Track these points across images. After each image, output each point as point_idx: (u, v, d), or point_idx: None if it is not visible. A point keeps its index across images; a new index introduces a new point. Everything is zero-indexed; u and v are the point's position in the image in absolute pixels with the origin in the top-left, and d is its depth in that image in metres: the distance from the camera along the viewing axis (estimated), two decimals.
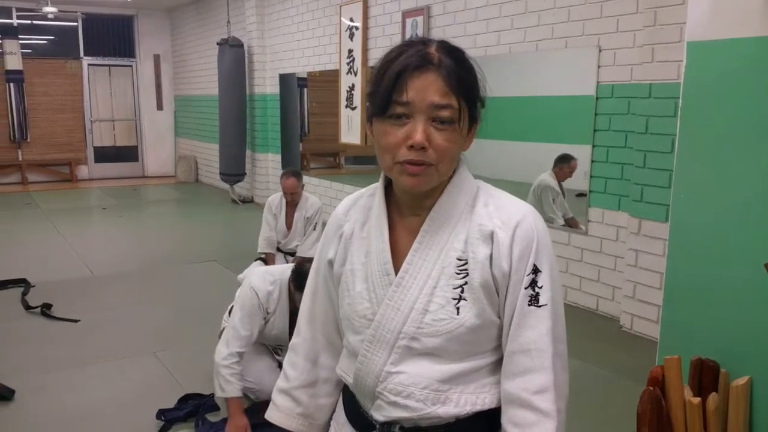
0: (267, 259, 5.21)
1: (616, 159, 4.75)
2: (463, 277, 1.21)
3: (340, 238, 1.36)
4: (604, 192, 4.89)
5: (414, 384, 1.23)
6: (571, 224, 5.20)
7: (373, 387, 1.27)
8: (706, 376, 2.20)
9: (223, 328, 3.75)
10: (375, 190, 1.35)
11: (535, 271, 1.20)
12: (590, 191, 4.99)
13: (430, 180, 1.20)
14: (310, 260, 3.36)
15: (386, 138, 1.19)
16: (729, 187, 2.23)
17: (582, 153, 5.03)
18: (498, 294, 1.22)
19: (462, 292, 1.21)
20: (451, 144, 1.19)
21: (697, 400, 2.10)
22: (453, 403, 1.23)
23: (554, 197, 5.35)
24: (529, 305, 1.20)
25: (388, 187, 1.33)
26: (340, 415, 1.41)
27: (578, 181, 5.11)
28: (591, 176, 4.97)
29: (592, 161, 4.94)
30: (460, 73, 1.19)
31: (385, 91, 1.17)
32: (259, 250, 5.31)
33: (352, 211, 1.37)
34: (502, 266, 1.20)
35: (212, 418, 3.35)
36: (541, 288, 1.20)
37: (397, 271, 1.26)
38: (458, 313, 1.20)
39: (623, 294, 4.67)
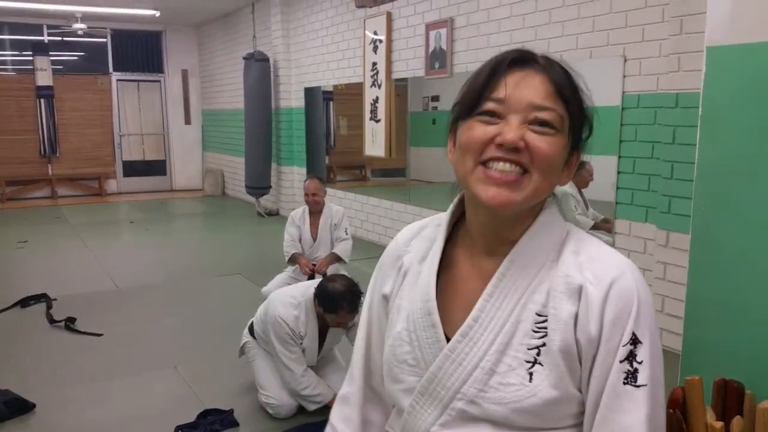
0: (296, 258, 5.20)
1: (643, 170, 4.66)
2: (541, 337, 1.00)
3: (398, 271, 1.18)
4: (630, 203, 4.79)
5: None
6: (600, 227, 5.09)
7: None
8: (730, 398, 2.09)
9: (244, 344, 3.74)
10: (443, 219, 1.16)
11: (635, 341, 0.98)
12: (617, 203, 4.90)
13: (520, 193, 0.99)
14: (332, 279, 3.40)
15: (471, 133, 1.00)
16: (753, 198, 2.14)
17: (608, 164, 4.94)
18: (581, 362, 1.00)
19: (538, 354, 1.00)
20: (552, 149, 0.99)
21: (720, 424, 1.99)
22: None
23: (575, 204, 5.27)
24: (624, 384, 0.98)
25: (461, 219, 1.15)
26: None
27: (606, 191, 5.02)
28: (617, 187, 4.88)
29: (619, 172, 4.85)
30: (568, 80, 1.03)
31: (477, 87, 1.01)
32: (286, 250, 5.31)
33: (415, 241, 1.19)
34: (590, 330, 0.98)
35: None
36: (640, 363, 0.98)
37: (455, 319, 1.07)
38: (531, 380, 0.99)
39: None
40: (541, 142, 0.98)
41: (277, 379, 3.49)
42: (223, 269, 6.83)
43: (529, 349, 1.00)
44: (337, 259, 5.24)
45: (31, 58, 12.08)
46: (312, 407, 3.44)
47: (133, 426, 3.45)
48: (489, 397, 1.01)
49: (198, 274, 6.71)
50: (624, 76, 4.71)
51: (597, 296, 0.98)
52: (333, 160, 9.60)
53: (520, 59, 1.01)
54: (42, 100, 12.12)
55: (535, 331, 1.01)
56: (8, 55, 12.43)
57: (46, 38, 12.34)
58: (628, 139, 4.75)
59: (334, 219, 5.35)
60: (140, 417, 3.54)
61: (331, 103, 9.37)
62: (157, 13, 11.25)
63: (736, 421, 2.02)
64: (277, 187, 10.41)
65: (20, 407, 3.56)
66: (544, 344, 1.00)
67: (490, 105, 0.99)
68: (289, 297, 3.46)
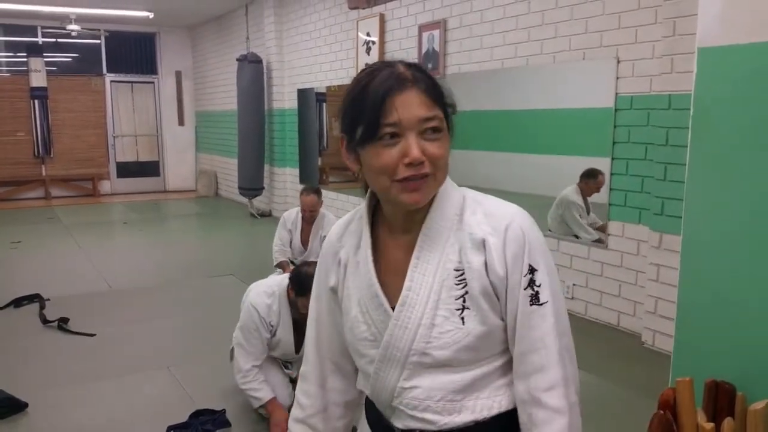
0: (283, 267, 5.18)
1: (636, 171, 4.67)
2: (463, 287, 1.23)
3: (339, 265, 1.38)
4: (624, 205, 4.80)
5: (429, 397, 1.26)
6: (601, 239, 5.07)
7: (389, 402, 1.31)
8: (721, 400, 2.09)
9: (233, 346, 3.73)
10: (363, 212, 1.37)
11: (532, 270, 1.22)
12: (610, 204, 4.90)
13: (430, 191, 1.22)
14: (306, 264, 3.38)
15: (380, 159, 1.20)
16: (744, 200, 2.15)
17: (601, 165, 4.95)
18: (498, 298, 1.24)
19: (464, 301, 1.23)
20: (444, 151, 1.22)
21: (710, 425, 1.99)
22: (469, 410, 1.26)
23: (579, 213, 5.23)
24: (531, 305, 1.22)
25: (376, 209, 1.35)
26: (363, 424, 1.46)
27: (599, 193, 5.02)
28: (611, 189, 4.89)
29: (612, 174, 4.86)
30: (434, 84, 1.23)
31: (372, 117, 1.18)
32: (275, 256, 5.29)
33: (345, 237, 1.39)
34: (498, 271, 1.22)
35: None
36: (539, 286, 1.22)
37: (396, 291, 1.28)
38: (464, 323, 1.23)
39: (645, 309, 4.58)
40: (436, 148, 1.19)
41: (268, 379, 3.47)
42: (216, 270, 6.81)
43: (456, 299, 1.23)
44: None
45: (25, 59, 12.04)
46: (255, 404, 3.38)
47: (125, 426, 3.44)
48: (434, 345, 1.24)
49: (191, 275, 6.70)
50: (617, 78, 4.72)
51: (497, 244, 1.22)
52: (326, 162, 9.58)
53: (399, 84, 1.18)
54: (36, 101, 12.09)
55: (457, 284, 1.24)
56: (2, 56, 12.40)
57: (40, 39, 12.31)
58: (621, 141, 4.76)
59: (325, 230, 5.29)
60: (132, 417, 3.53)
61: (324, 104, 9.34)
62: (151, 15, 11.22)
63: (728, 423, 2.01)
64: (269, 188, 10.41)
65: (12, 407, 3.54)
66: (466, 292, 1.23)
67: (388, 129, 1.18)
68: (264, 286, 3.47)
